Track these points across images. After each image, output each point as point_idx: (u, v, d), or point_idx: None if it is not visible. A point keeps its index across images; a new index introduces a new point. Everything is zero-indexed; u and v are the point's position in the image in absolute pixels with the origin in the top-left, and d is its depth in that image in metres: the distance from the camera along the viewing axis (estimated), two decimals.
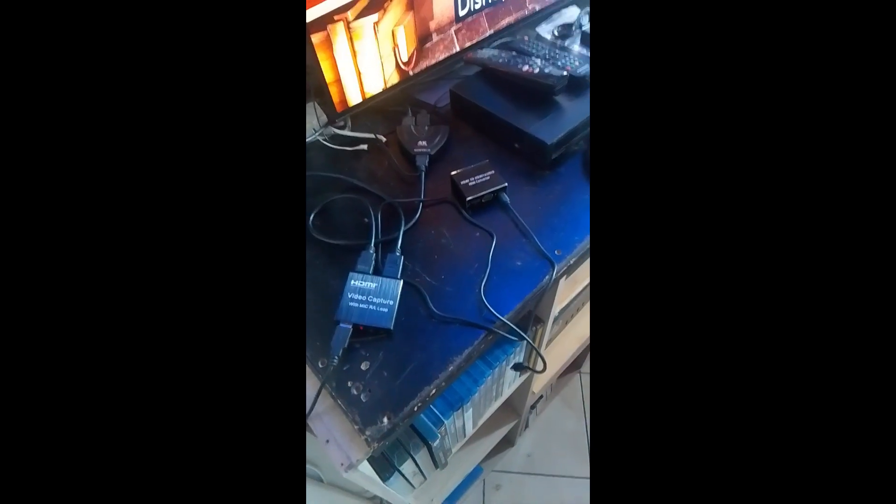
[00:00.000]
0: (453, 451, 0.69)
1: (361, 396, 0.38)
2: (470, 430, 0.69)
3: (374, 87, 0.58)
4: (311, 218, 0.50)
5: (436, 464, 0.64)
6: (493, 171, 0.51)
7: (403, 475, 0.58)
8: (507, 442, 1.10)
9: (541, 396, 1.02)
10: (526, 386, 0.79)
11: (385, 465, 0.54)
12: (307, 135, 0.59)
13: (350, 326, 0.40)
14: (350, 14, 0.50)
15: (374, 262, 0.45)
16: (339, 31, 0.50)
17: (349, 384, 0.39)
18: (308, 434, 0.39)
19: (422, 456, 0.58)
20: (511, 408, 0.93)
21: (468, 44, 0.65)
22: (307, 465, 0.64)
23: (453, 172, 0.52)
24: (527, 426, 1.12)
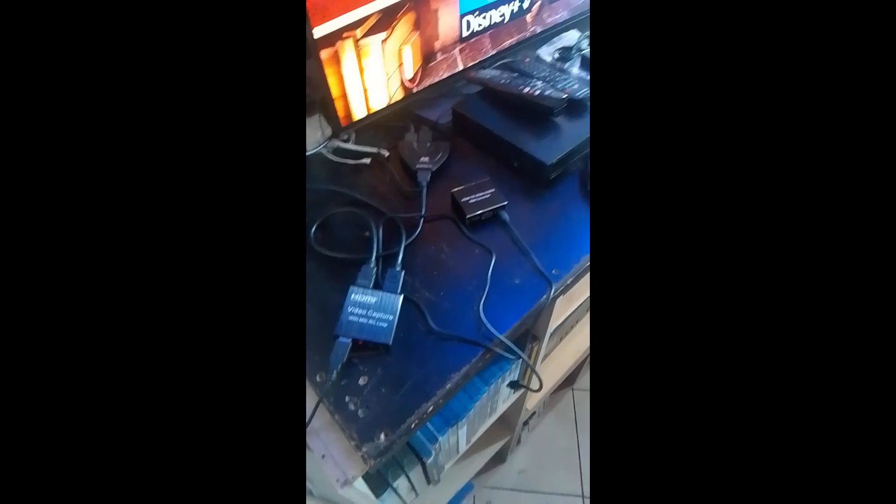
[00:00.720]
0: (446, 467, 0.69)
1: (359, 412, 0.38)
2: (464, 447, 0.69)
3: (379, 102, 0.59)
4: (313, 231, 0.50)
5: (428, 480, 0.63)
6: (493, 189, 0.52)
7: (396, 491, 0.57)
8: (499, 458, 1.09)
9: (534, 413, 1.02)
10: (520, 402, 0.79)
11: (379, 481, 0.54)
12: (312, 147, 0.60)
13: (349, 341, 0.40)
14: (359, 32, 0.51)
15: (374, 276, 0.45)
16: (347, 48, 0.51)
17: (347, 399, 0.39)
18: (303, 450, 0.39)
19: (415, 472, 0.57)
20: (504, 424, 0.93)
21: (471, 63, 0.66)
22: None
23: (454, 189, 0.52)
24: (519, 442, 1.11)
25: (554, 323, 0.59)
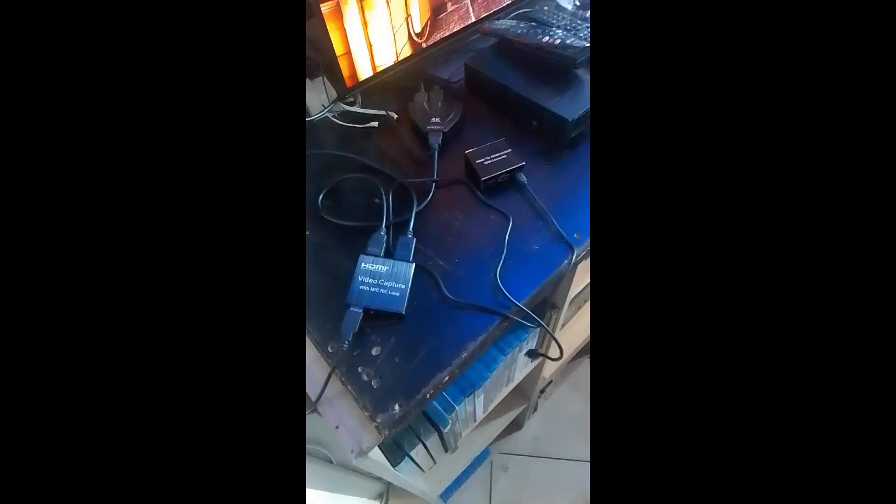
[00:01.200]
0: (463, 434, 0.69)
1: (372, 382, 0.37)
2: (480, 415, 0.69)
3: (386, 60, 0.55)
4: (321, 198, 0.48)
5: (446, 448, 0.64)
6: (509, 150, 0.49)
7: (413, 460, 0.57)
8: (516, 425, 1.10)
9: (550, 381, 1.01)
10: (537, 371, 0.78)
11: (396, 451, 0.54)
12: (316, 111, 0.57)
13: (361, 311, 0.38)
14: None
15: (385, 245, 0.43)
16: (349, 1, 0.47)
17: (360, 369, 0.38)
18: (319, 417, 0.38)
19: (432, 441, 0.57)
20: (521, 392, 0.93)
21: (484, 14, 0.61)
22: (317, 447, 0.64)
23: (468, 151, 0.49)
24: (535, 410, 1.12)
25: (574, 290, 0.57)
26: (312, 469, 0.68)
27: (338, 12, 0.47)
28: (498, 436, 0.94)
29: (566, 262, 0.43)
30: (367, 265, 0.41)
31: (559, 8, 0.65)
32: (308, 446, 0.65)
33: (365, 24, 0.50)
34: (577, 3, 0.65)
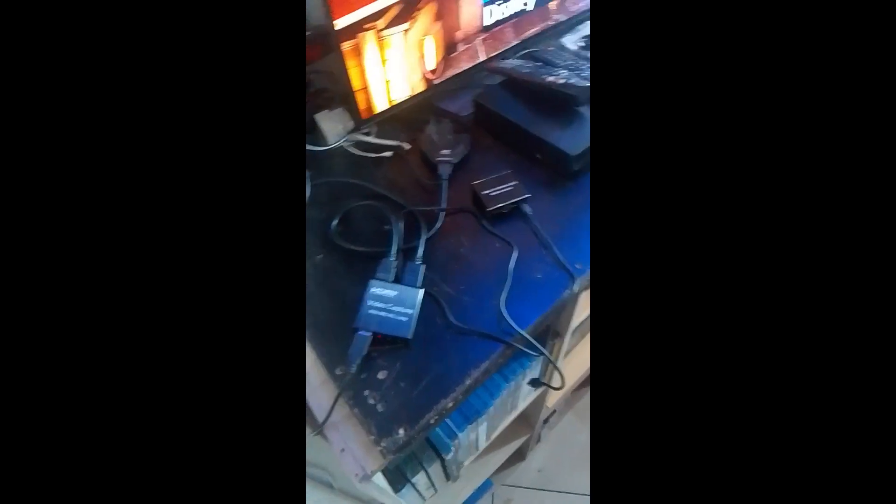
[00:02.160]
0: (465, 463, 0.68)
1: (378, 406, 0.38)
2: (483, 444, 0.68)
3: (400, 94, 0.58)
4: (334, 224, 0.50)
5: (448, 476, 0.63)
6: (515, 182, 0.51)
7: (415, 487, 0.57)
8: (519, 456, 1.08)
9: (554, 411, 1.00)
10: (540, 400, 0.78)
11: (398, 477, 0.54)
12: (333, 140, 0.60)
13: (369, 335, 0.39)
14: (380, 23, 0.50)
15: (394, 271, 0.44)
16: (369, 40, 0.51)
17: (366, 393, 0.38)
18: (323, 441, 0.39)
19: (434, 469, 0.57)
20: (524, 421, 0.92)
21: (493, 53, 0.65)
22: (318, 470, 0.63)
23: (475, 182, 0.51)
24: (539, 440, 1.10)
25: (577, 319, 0.58)
26: (313, 494, 0.67)
27: (357, 51, 0.51)
28: (500, 466, 0.93)
29: (568, 291, 0.44)
30: (376, 290, 0.42)
31: (563, 48, 0.69)
32: (310, 469, 0.64)
33: (383, 62, 0.54)
34: (581, 44, 0.69)
